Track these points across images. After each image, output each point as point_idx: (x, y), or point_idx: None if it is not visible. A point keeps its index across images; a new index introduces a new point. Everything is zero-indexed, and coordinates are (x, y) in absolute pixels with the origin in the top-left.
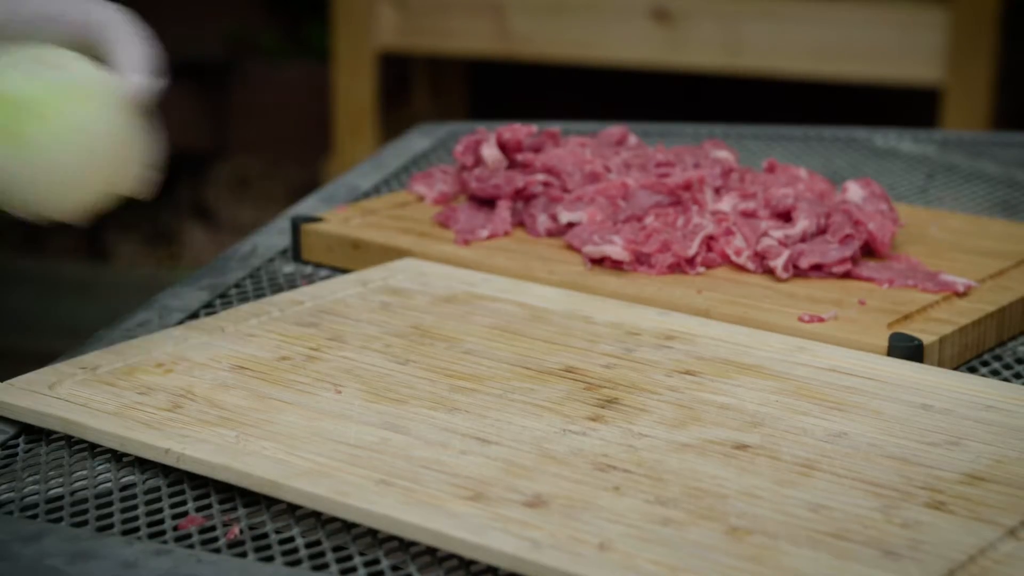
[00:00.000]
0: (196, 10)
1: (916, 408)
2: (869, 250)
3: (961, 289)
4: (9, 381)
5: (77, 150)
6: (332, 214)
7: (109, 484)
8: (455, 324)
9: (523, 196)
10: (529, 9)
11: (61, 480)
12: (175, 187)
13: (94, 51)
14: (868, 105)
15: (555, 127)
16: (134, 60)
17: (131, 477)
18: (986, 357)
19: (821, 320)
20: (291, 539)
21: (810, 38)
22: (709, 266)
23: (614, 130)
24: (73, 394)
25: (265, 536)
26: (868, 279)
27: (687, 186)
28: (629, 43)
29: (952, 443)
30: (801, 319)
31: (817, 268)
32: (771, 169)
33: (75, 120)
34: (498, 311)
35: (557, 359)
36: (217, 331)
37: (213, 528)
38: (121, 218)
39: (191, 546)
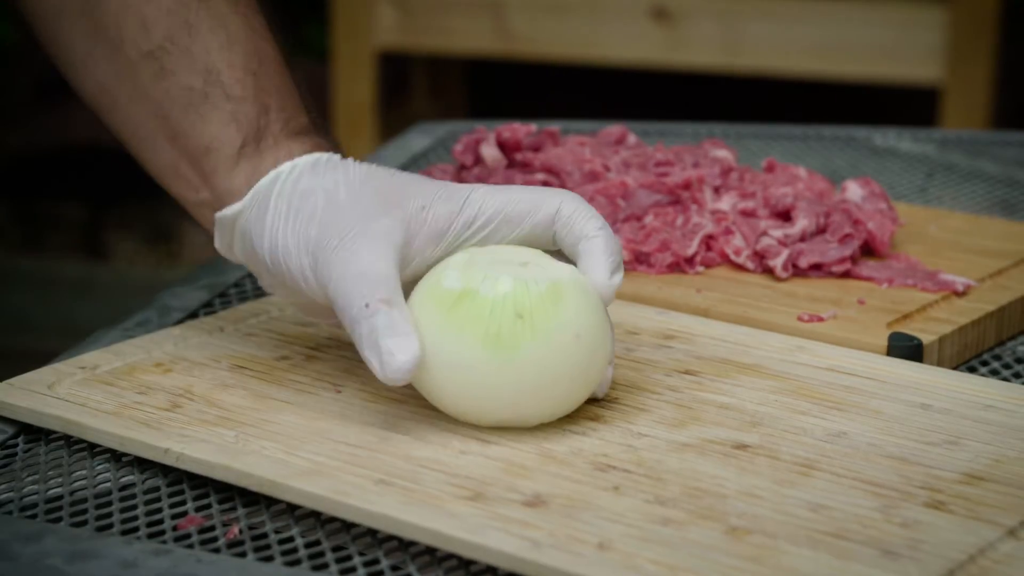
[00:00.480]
0: None
1: (915, 408)
2: (868, 249)
3: (960, 288)
4: (8, 381)
5: (562, 357)
6: None
7: (108, 484)
8: None
9: None
10: (528, 8)
11: (60, 480)
12: None
13: (554, 244)
14: (867, 104)
15: (554, 126)
16: (604, 256)
17: (130, 477)
18: (985, 357)
19: (820, 319)
20: (290, 539)
21: (809, 37)
22: (708, 265)
23: (613, 129)
24: (72, 394)
25: (264, 536)
26: (867, 278)
27: (686, 185)
28: (628, 42)
29: (951, 443)
30: (800, 318)
31: (816, 267)
32: (770, 168)
33: (561, 325)
34: None
35: None
36: (216, 330)
37: (212, 528)
38: (119, 217)
39: (190, 546)
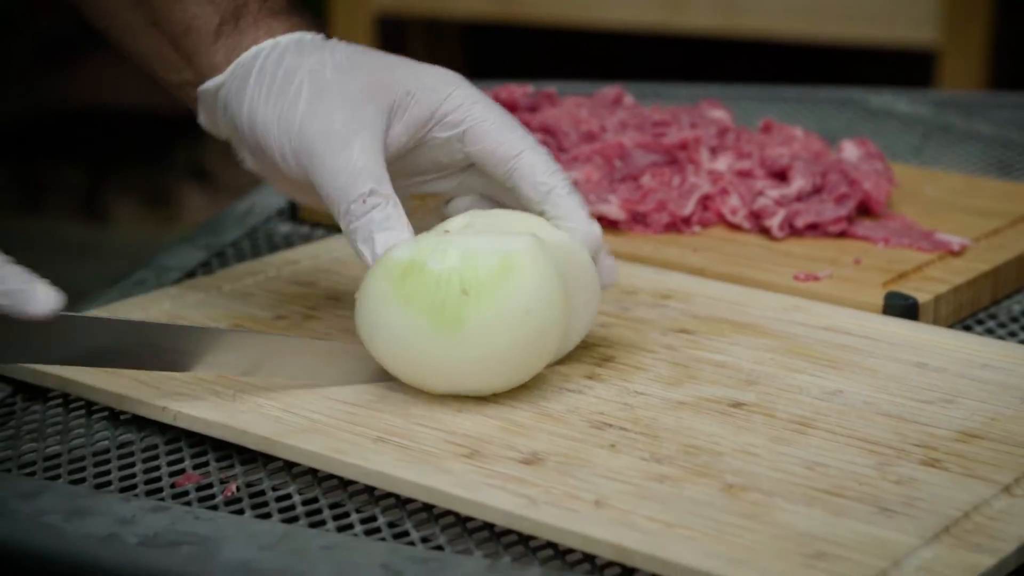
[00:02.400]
0: None
1: (911, 366)
2: (865, 209)
3: (956, 248)
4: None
5: (509, 332)
6: None
7: (106, 442)
8: None
9: None
10: None
11: (58, 438)
12: (172, 149)
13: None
14: (864, 67)
15: (551, 87)
16: (578, 208)
17: (128, 435)
18: (981, 316)
19: (816, 279)
20: (288, 496)
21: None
22: (705, 225)
23: (610, 90)
24: None
25: (262, 493)
26: (863, 238)
27: (683, 146)
28: (626, 5)
29: (947, 401)
30: (796, 278)
31: (813, 227)
32: (767, 129)
33: (509, 300)
34: None
35: None
36: (214, 290)
37: (210, 485)
38: (119, 180)
39: (188, 503)
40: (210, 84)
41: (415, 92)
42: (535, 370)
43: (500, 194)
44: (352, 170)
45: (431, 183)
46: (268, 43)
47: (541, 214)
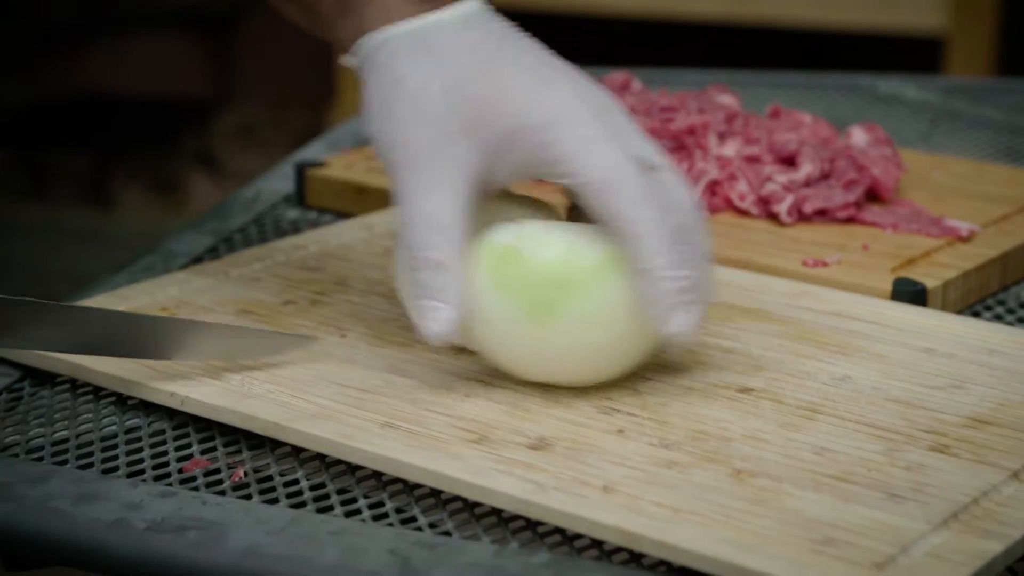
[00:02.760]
0: None
1: (920, 352)
2: (873, 195)
3: (965, 234)
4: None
5: (603, 330)
6: (336, 159)
7: (114, 427)
8: None
9: None
10: None
11: (66, 423)
12: (179, 135)
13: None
14: (872, 53)
15: None
16: (663, 308)
17: (136, 420)
18: (989, 302)
19: (825, 264)
20: (295, 482)
21: None
22: (713, 211)
23: (618, 76)
24: None
25: (270, 479)
26: (872, 224)
27: (691, 131)
28: None
29: (956, 387)
30: (805, 263)
31: (821, 213)
32: (775, 114)
33: (616, 297)
34: None
35: None
36: (221, 275)
37: (218, 471)
38: (126, 166)
39: (196, 488)
40: (350, 63)
41: (520, 131)
42: (627, 367)
43: None
44: (425, 224)
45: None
46: (387, 32)
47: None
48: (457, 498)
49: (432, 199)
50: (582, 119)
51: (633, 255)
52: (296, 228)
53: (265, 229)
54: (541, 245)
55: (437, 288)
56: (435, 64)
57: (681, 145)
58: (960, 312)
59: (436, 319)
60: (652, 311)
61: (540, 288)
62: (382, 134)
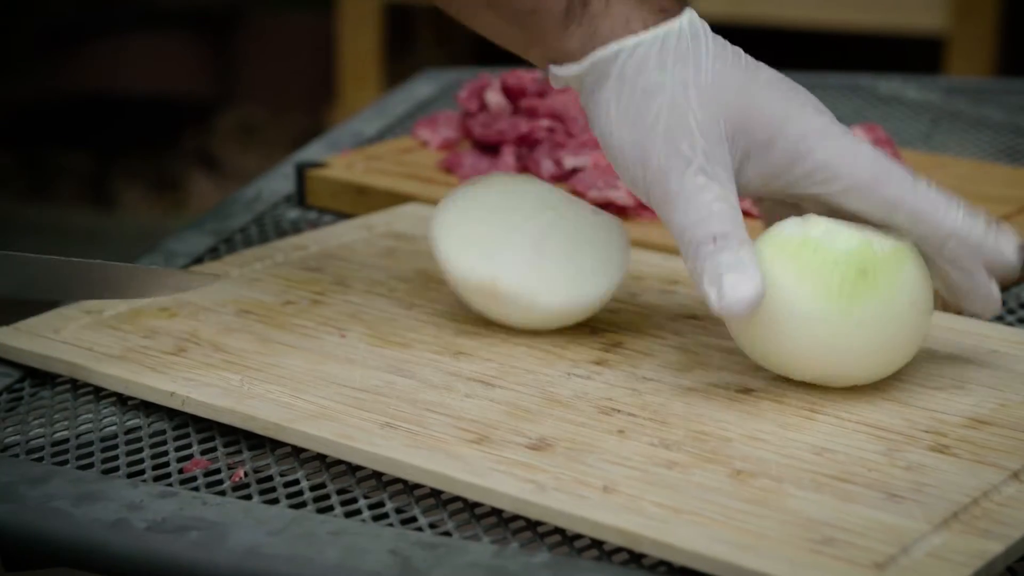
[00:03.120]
0: None
1: (920, 352)
2: None
3: None
4: (14, 325)
5: (896, 321)
6: (336, 160)
7: (114, 427)
8: None
9: (527, 142)
10: None
11: (66, 423)
12: (180, 135)
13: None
14: (873, 54)
15: None
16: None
17: (136, 420)
18: None
19: None
20: (296, 482)
21: None
22: None
23: None
24: (78, 338)
25: (270, 479)
26: None
27: None
28: None
29: (956, 387)
30: None
31: None
32: None
33: (900, 289)
34: None
35: None
36: (221, 275)
37: (218, 471)
38: (127, 166)
39: (196, 488)
40: (565, 71)
41: (776, 140)
42: (897, 367)
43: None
44: (707, 211)
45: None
46: (630, 41)
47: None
48: (457, 498)
49: (711, 195)
50: (833, 132)
51: (930, 231)
52: (296, 228)
53: (265, 229)
54: (837, 236)
55: (739, 261)
56: (691, 72)
57: None
58: (961, 312)
59: (745, 282)
60: (980, 253)
61: (844, 274)
62: (635, 145)
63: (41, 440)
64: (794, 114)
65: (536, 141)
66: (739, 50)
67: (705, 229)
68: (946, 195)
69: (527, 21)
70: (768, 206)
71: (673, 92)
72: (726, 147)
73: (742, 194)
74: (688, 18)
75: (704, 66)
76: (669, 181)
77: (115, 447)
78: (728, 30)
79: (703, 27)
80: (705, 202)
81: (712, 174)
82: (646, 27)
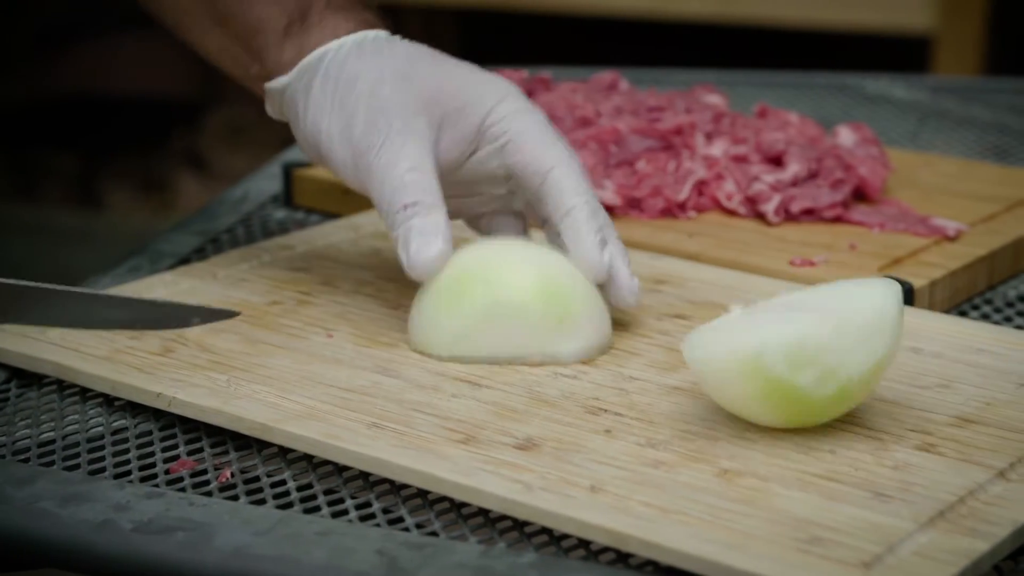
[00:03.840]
0: None
1: (907, 351)
2: (860, 194)
3: (952, 233)
4: (1, 326)
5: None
6: None
7: (101, 428)
8: None
9: None
10: None
11: (53, 424)
12: (168, 136)
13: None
14: (860, 53)
15: (546, 73)
16: (582, 233)
17: (123, 421)
18: (976, 301)
19: (812, 264)
20: (283, 482)
21: None
22: (700, 211)
23: (605, 75)
24: (65, 339)
25: (257, 479)
26: (859, 223)
27: (678, 131)
28: None
29: (943, 386)
30: (792, 263)
31: (808, 212)
32: (762, 114)
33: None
34: None
35: None
36: (208, 276)
37: (205, 471)
38: (114, 167)
39: (183, 489)
40: (275, 84)
41: (465, 105)
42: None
43: (533, 212)
44: (400, 182)
45: (481, 204)
46: (333, 44)
47: (559, 235)
48: (444, 498)
49: (405, 165)
50: (512, 94)
51: (557, 200)
52: (283, 228)
53: (252, 229)
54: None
55: (425, 227)
56: (384, 59)
57: (668, 145)
58: (947, 311)
59: (429, 249)
60: (580, 249)
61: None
62: (342, 130)
63: (27, 441)
64: (481, 84)
65: None
66: (434, 49)
67: (399, 198)
68: (584, 176)
69: (252, 39)
70: (486, 222)
71: (369, 77)
72: (423, 120)
73: (446, 166)
74: (385, 31)
75: (398, 53)
76: (368, 156)
77: (102, 448)
78: (717, 30)
79: (400, 37)
80: (399, 173)
81: (404, 146)
82: (348, 33)
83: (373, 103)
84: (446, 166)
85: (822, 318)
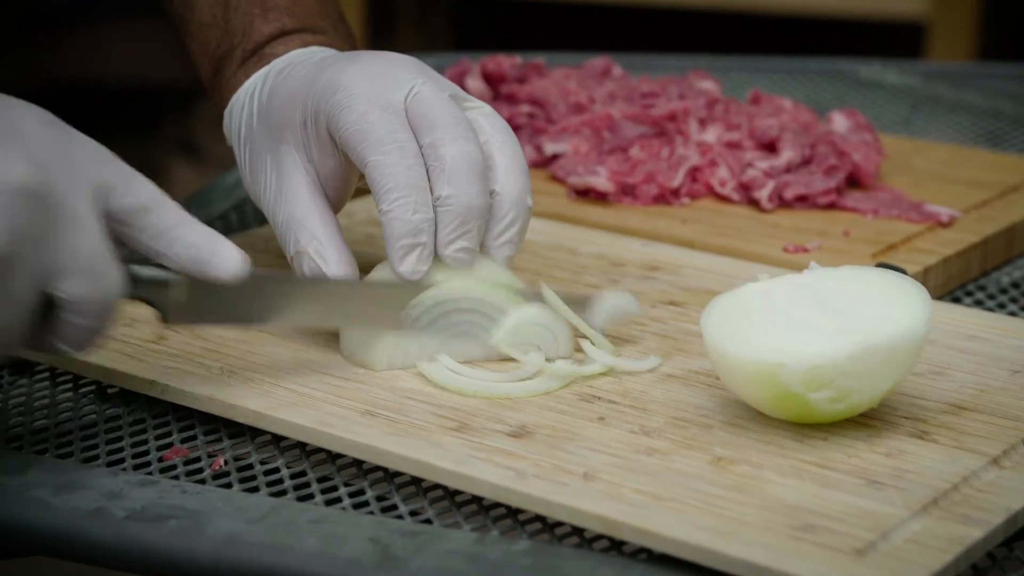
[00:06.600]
0: None
1: None
2: (854, 181)
3: (945, 219)
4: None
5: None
6: None
7: (94, 416)
8: None
9: None
10: None
11: (46, 412)
12: (160, 122)
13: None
14: (854, 39)
15: (539, 58)
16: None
17: (116, 409)
18: (970, 287)
19: (805, 250)
20: (276, 470)
21: None
22: (694, 197)
23: (599, 61)
24: None
25: (250, 467)
26: (853, 209)
27: (672, 117)
28: None
29: (936, 373)
30: (786, 249)
31: (802, 199)
32: (756, 100)
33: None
34: None
35: None
36: None
37: (198, 459)
38: None
39: (176, 477)
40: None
41: (317, 112)
42: None
43: None
44: (278, 231)
45: None
46: (239, 93)
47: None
48: (438, 486)
49: (284, 210)
50: (350, 85)
51: (375, 200)
52: None
53: (246, 216)
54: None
55: (314, 269)
56: (250, 108)
57: (662, 131)
58: (941, 298)
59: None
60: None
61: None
62: (247, 178)
63: (20, 429)
64: (324, 81)
65: (516, 127)
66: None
67: (285, 247)
68: (407, 167)
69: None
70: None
71: (245, 123)
72: (284, 150)
73: (332, 174)
74: (269, 64)
75: (262, 92)
76: (263, 207)
77: (95, 436)
78: (710, 15)
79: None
80: (276, 220)
81: (276, 187)
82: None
83: (249, 149)
84: (334, 173)
85: (845, 339)
